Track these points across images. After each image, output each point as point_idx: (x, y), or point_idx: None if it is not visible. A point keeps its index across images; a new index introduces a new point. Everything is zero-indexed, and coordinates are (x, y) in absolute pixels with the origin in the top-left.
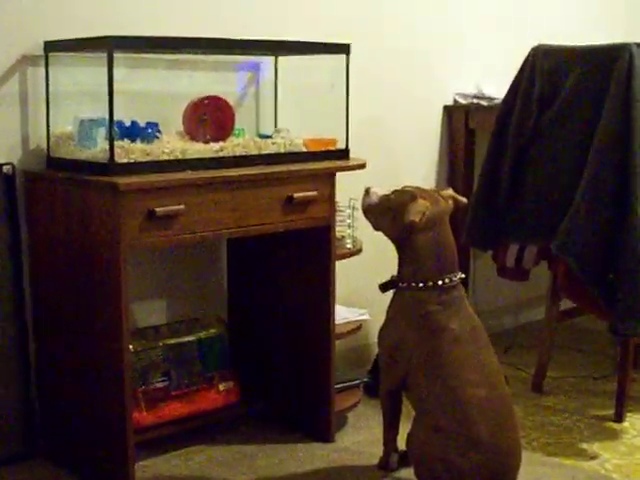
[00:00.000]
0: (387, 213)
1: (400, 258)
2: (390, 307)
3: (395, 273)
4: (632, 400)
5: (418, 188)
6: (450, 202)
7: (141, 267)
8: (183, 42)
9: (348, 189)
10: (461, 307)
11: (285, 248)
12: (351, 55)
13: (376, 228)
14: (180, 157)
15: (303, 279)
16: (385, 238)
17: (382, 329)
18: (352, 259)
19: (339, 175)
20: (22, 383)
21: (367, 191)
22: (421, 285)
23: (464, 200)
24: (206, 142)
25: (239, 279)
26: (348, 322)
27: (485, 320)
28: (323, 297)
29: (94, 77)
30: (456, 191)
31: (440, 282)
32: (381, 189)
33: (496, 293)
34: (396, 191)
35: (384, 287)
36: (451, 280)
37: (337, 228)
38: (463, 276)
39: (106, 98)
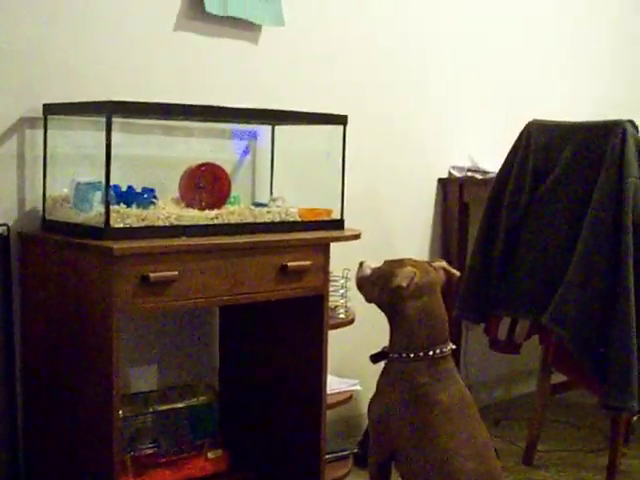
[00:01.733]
0: (378, 282)
1: (391, 328)
2: (380, 378)
3: (387, 344)
4: (623, 474)
5: (409, 259)
6: (441, 273)
7: (133, 332)
8: (181, 109)
9: (342, 259)
10: (451, 379)
11: (278, 317)
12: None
13: (368, 300)
14: (175, 223)
15: (295, 348)
16: (378, 309)
17: (372, 400)
18: (344, 329)
19: (333, 245)
20: (9, 447)
21: (361, 264)
22: (412, 356)
23: (456, 273)
24: (202, 209)
25: (231, 347)
26: (339, 392)
27: (476, 392)
28: (315, 367)
29: (92, 141)
30: (450, 263)
31: (431, 353)
32: (375, 263)
33: (488, 366)
34: (387, 261)
35: (375, 358)
36: (442, 351)
37: (330, 298)
38: (454, 347)
39: (103, 162)
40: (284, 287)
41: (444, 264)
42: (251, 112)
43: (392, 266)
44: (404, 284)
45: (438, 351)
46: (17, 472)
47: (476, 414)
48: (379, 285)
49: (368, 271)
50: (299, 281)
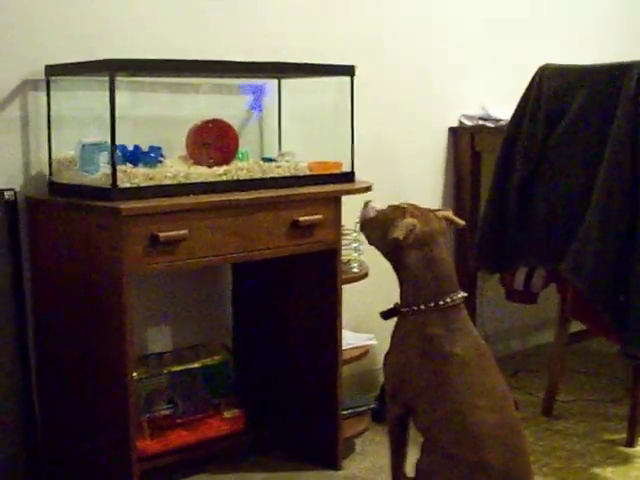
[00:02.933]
0: (379, 227)
1: (399, 281)
2: (394, 332)
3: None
4: None
5: (413, 205)
6: (443, 223)
7: (145, 293)
8: (185, 65)
9: (354, 212)
10: (465, 329)
11: (291, 273)
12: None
13: (370, 243)
14: (183, 181)
15: (309, 304)
16: None
17: (387, 355)
18: (358, 283)
19: (345, 198)
20: (24, 412)
21: (366, 204)
22: (422, 307)
23: (461, 222)
24: (209, 166)
25: (244, 305)
26: (355, 347)
27: (493, 344)
28: (330, 322)
29: (96, 101)
30: (462, 214)
31: (441, 302)
32: (381, 204)
33: (504, 317)
34: (391, 206)
35: (386, 315)
36: (452, 299)
37: (343, 252)
38: (465, 294)
39: (108, 122)
40: (296, 242)
41: (448, 214)
42: (256, 65)
43: (393, 214)
44: (401, 236)
45: (449, 300)
46: (33, 435)
47: (493, 365)
48: (380, 232)
49: (372, 213)
50: (311, 236)
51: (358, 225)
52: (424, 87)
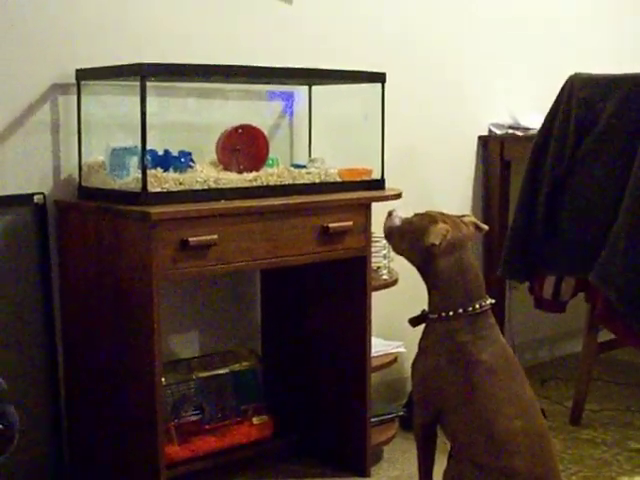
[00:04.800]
0: (408, 236)
1: (427, 288)
2: (422, 339)
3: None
4: None
5: (440, 213)
6: (471, 228)
7: (174, 298)
8: (216, 70)
9: (383, 219)
10: (493, 337)
11: (320, 279)
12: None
13: (397, 252)
14: (213, 186)
15: (338, 311)
16: None
17: (415, 362)
18: (388, 290)
19: (374, 205)
20: (52, 416)
21: (390, 214)
22: (451, 314)
23: (485, 227)
24: (240, 172)
25: (273, 311)
26: (384, 354)
27: (521, 353)
28: (359, 329)
29: (126, 106)
30: (491, 223)
31: (470, 309)
32: (404, 212)
33: (533, 325)
34: (417, 214)
35: (414, 321)
36: (481, 306)
37: (372, 259)
38: (493, 301)
39: (138, 127)
40: (326, 249)
41: (474, 219)
42: (287, 71)
43: (423, 222)
44: (437, 242)
45: (477, 306)
46: (60, 440)
47: (520, 373)
48: (409, 239)
49: (397, 221)
50: (341, 242)
51: (383, 232)
52: (454, 95)
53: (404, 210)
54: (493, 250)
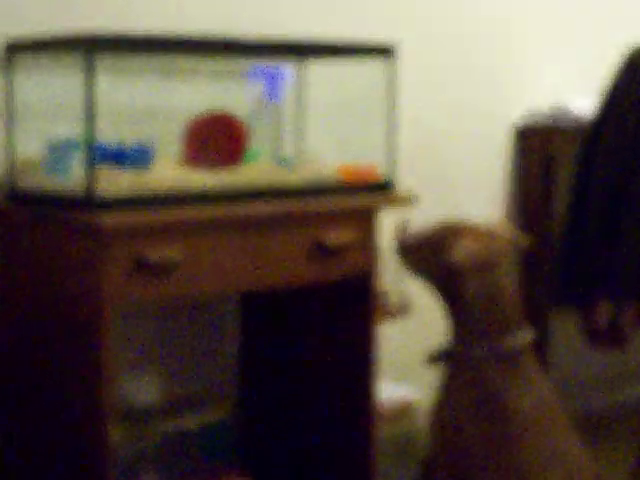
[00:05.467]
0: (425, 253)
1: (450, 317)
2: (443, 382)
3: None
4: None
5: (466, 222)
6: (507, 241)
7: (129, 330)
8: (184, 44)
9: (394, 231)
10: (533, 380)
11: (313, 306)
12: (398, 61)
13: (412, 272)
14: (178, 189)
15: (336, 346)
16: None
17: (434, 411)
18: (398, 320)
19: (382, 213)
20: None
21: (402, 224)
22: (479, 350)
23: (526, 241)
24: (212, 170)
25: (254, 346)
26: (393, 402)
27: (569, 398)
28: (362, 369)
29: (70, 87)
30: (531, 234)
31: (503, 344)
32: (421, 222)
33: (584, 363)
34: (437, 225)
35: (433, 359)
36: (517, 341)
37: (379, 281)
38: (533, 336)
39: (84, 114)
40: (320, 268)
41: (511, 229)
42: (272, 44)
43: (444, 234)
44: (462, 259)
45: (513, 341)
46: None
47: (567, 426)
48: (426, 257)
49: (411, 234)
50: (339, 260)
51: (395, 250)
52: (483, 74)
53: (420, 219)
54: (534, 269)
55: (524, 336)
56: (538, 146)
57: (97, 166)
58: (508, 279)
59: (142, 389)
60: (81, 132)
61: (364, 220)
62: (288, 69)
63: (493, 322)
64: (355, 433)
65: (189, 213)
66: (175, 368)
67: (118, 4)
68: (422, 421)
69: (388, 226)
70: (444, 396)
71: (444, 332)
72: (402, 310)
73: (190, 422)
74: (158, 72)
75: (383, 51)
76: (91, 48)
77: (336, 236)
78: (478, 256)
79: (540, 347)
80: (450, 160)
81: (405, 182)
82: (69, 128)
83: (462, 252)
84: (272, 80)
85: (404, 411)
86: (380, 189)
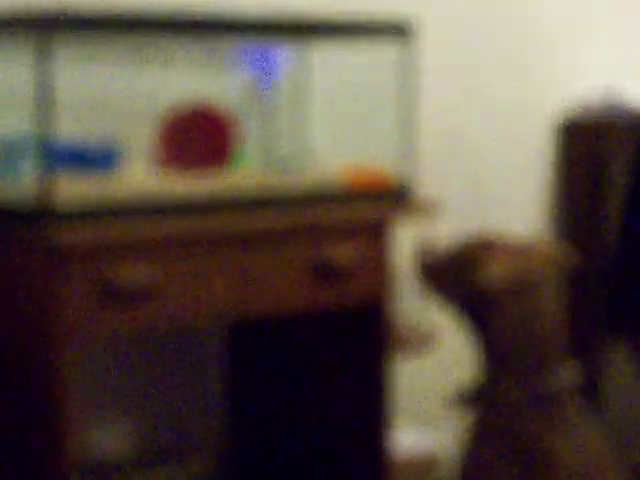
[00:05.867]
0: (451, 274)
1: (480, 350)
2: (472, 429)
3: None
4: None
5: (502, 239)
6: (550, 260)
7: (96, 368)
8: (159, 21)
9: (413, 248)
10: (579, 426)
11: (314, 339)
12: (417, 43)
13: (435, 295)
14: (153, 199)
15: (342, 386)
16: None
17: (461, 463)
18: (418, 355)
19: (398, 227)
20: None
21: (423, 244)
22: (514, 392)
23: (571, 258)
24: (193, 176)
25: (243, 386)
26: (412, 453)
27: (625, 449)
28: (373, 415)
29: (19, 74)
30: (578, 248)
31: (543, 384)
32: (445, 240)
33: None
34: (466, 240)
35: (459, 401)
36: (560, 379)
37: (395, 308)
38: (580, 373)
39: (38, 106)
40: (322, 293)
41: (556, 246)
42: (266, 22)
43: (475, 251)
44: (494, 282)
45: (555, 379)
46: None
47: None
48: (452, 279)
49: (436, 253)
50: (345, 283)
51: (415, 271)
52: (517, 58)
53: (445, 234)
54: (582, 292)
55: (569, 373)
56: (585, 145)
57: (54, 170)
58: (550, 305)
59: (111, 439)
60: (35, 128)
61: (376, 235)
62: (285, 52)
63: (531, 357)
64: None
65: (166, 227)
66: (150, 413)
67: None
68: (446, 476)
69: (405, 242)
70: (473, 445)
71: (473, 369)
72: (423, 343)
73: (166, 477)
74: (129, 56)
75: (399, 30)
76: (47, 27)
77: (342, 254)
78: (514, 278)
79: (589, 386)
80: (480, 162)
81: (426, 189)
82: (19, 123)
83: (495, 273)
84: (266, 66)
85: (425, 464)
86: (396, 197)
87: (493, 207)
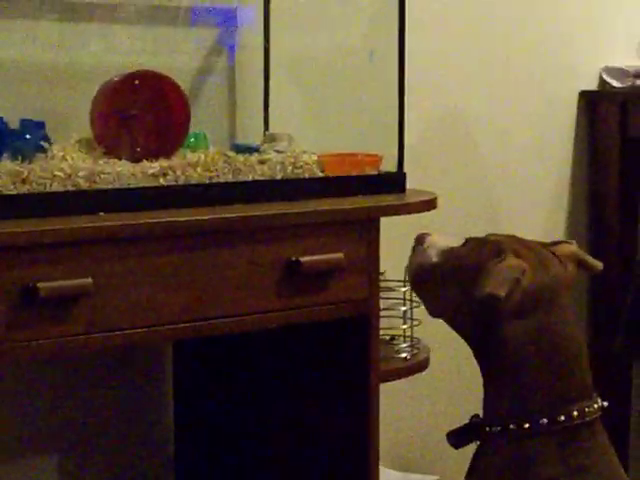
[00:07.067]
0: (452, 281)
1: (484, 375)
2: (474, 471)
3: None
4: None
5: (513, 238)
6: (571, 266)
7: (16, 394)
8: None
9: (404, 248)
10: (602, 467)
11: (286, 358)
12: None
13: (432, 311)
14: (87, 187)
15: (320, 417)
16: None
17: None
18: (410, 379)
19: (387, 222)
20: None
21: (420, 240)
22: (526, 426)
23: (598, 264)
24: (135, 159)
25: (196, 415)
26: None
27: None
28: (356, 452)
29: None
30: (605, 252)
31: (561, 417)
32: (447, 238)
33: None
34: (471, 241)
35: (459, 438)
36: (581, 413)
37: (383, 321)
38: (605, 404)
39: None
40: (295, 302)
41: (576, 249)
42: None
43: (481, 254)
44: (502, 292)
45: (575, 413)
46: None
47: None
48: (453, 287)
49: (433, 254)
50: (323, 291)
51: (407, 276)
52: (533, 18)
53: (445, 233)
54: (610, 307)
55: (591, 404)
56: (615, 120)
57: None
58: (569, 321)
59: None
60: None
61: (360, 233)
62: (249, 9)
63: (546, 384)
64: None
65: (99, 222)
66: (83, 448)
67: None
68: None
69: (397, 242)
70: None
71: (473, 395)
72: (416, 364)
73: None
74: (55, 13)
75: None
76: None
77: (318, 255)
78: (527, 288)
79: (615, 418)
80: (487, 144)
81: (422, 177)
82: None
83: (503, 280)
84: (225, 24)
85: None
86: (384, 187)
87: (502, 202)
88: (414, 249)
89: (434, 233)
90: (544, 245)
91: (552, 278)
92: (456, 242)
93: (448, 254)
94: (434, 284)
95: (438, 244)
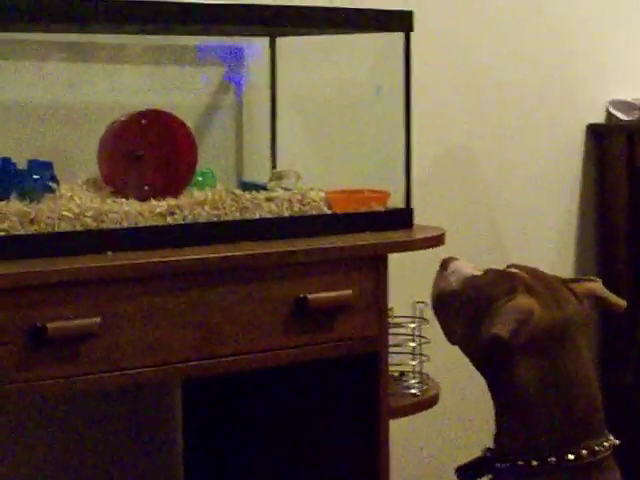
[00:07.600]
0: (466, 311)
1: (496, 410)
2: None
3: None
4: None
5: (531, 271)
6: (586, 303)
7: (21, 434)
8: (102, 9)
9: (413, 284)
10: None
11: (295, 396)
12: (417, 36)
13: (449, 338)
14: (94, 226)
15: (330, 453)
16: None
17: None
18: (420, 415)
19: (395, 258)
20: None
21: (445, 265)
22: (534, 464)
23: (621, 302)
24: (143, 198)
25: (206, 451)
26: None
27: None
28: None
29: None
30: (615, 283)
31: (571, 456)
32: (471, 265)
33: None
34: (490, 272)
35: (467, 471)
36: (591, 452)
37: (393, 357)
38: (616, 442)
39: None
40: (303, 340)
41: (594, 285)
42: (233, 11)
43: (495, 288)
44: (506, 334)
45: (585, 452)
46: None
47: None
48: (468, 316)
49: (455, 281)
50: (331, 327)
51: (430, 302)
52: (540, 52)
53: (469, 261)
54: (624, 344)
55: (601, 442)
56: (623, 153)
57: None
58: (584, 361)
59: None
60: None
61: (368, 270)
62: (257, 48)
63: (555, 422)
64: None
65: (107, 262)
66: None
67: None
68: None
69: (405, 277)
70: None
71: (485, 433)
72: (426, 400)
73: None
74: (64, 54)
75: (396, 21)
76: None
77: (326, 292)
78: (536, 327)
79: (632, 458)
80: (498, 178)
81: (429, 214)
82: None
83: (507, 320)
84: (233, 64)
85: None
86: (391, 223)
87: (509, 232)
88: (438, 273)
89: (460, 259)
90: (564, 281)
91: (565, 316)
92: (479, 270)
93: (468, 282)
94: (452, 311)
95: (462, 271)
